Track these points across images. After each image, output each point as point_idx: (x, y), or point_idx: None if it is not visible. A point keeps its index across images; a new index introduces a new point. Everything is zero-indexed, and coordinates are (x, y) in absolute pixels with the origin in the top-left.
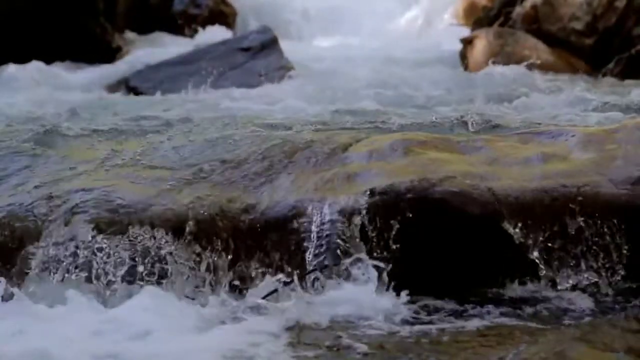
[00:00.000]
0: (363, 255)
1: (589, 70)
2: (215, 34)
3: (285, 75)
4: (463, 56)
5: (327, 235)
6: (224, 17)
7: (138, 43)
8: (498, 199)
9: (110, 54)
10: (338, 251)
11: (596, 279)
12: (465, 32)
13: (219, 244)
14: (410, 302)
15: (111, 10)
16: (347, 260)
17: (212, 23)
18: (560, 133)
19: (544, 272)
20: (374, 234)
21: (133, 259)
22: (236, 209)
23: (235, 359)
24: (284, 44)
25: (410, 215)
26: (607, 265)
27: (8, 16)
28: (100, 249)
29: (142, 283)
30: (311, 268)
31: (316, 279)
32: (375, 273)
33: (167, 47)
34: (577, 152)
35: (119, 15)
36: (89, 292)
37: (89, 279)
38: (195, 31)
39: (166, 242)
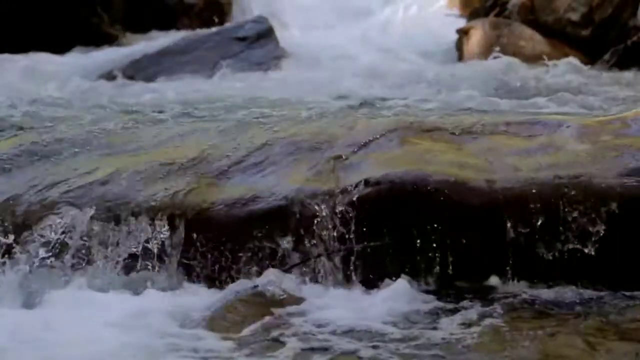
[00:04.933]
0: (355, 246)
1: (585, 61)
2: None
3: (281, 65)
4: (459, 47)
5: (320, 226)
6: (219, 7)
7: (134, 33)
8: (493, 189)
9: (106, 44)
10: (331, 241)
11: (591, 271)
12: (461, 22)
13: (212, 233)
14: (403, 293)
15: (108, 0)
16: (340, 250)
17: (208, 13)
18: (556, 124)
19: (537, 263)
20: (367, 225)
21: (132, 248)
22: (230, 198)
23: None
24: (279, 34)
25: (405, 206)
26: (602, 257)
27: (4, 5)
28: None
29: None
30: (304, 258)
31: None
32: (367, 263)
33: (163, 37)
34: (573, 143)
35: (115, 5)
36: None
37: None
38: (192, 22)
39: (158, 231)
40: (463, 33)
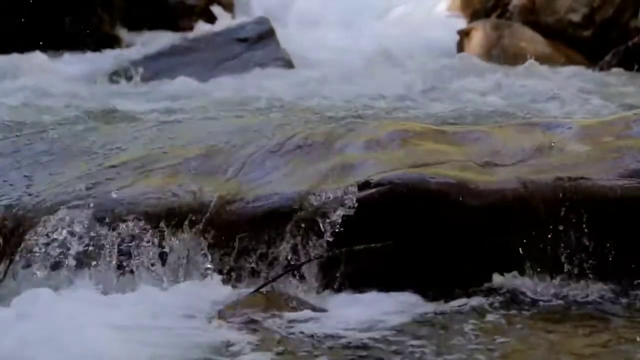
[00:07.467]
0: (357, 247)
1: (586, 62)
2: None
3: (282, 66)
4: (460, 48)
5: (321, 226)
6: (221, 7)
7: (135, 34)
8: (495, 191)
9: (107, 45)
10: (333, 242)
11: (592, 272)
12: (462, 23)
13: (215, 235)
14: (402, 296)
15: (108, 0)
16: (341, 252)
17: (209, 14)
18: (557, 125)
19: (541, 266)
20: (368, 226)
21: (128, 249)
22: (232, 200)
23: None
24: (280, 35)
25: (406, 207)
26: (603, 258)
27: (5, 5)
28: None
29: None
30: (306, 259)
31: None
32: (369, 265)
33: (165, 38)
34: (574, 144)
35: (116, 6)
36: None
37: None
38: (193, 22)
39: (162, 232)
40: (464, 34)
